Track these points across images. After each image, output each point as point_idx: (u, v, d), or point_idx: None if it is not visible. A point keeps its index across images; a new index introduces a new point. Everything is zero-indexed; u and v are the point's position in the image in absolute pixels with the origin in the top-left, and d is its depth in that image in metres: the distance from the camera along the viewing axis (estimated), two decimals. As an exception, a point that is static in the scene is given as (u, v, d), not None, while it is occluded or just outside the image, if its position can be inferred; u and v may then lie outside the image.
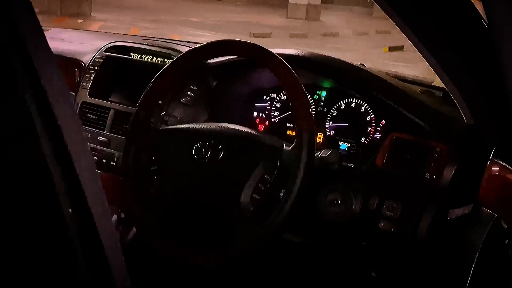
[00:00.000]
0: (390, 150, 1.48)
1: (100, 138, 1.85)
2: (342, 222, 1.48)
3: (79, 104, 1.93)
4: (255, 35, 11.83)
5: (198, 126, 1.48)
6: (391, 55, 10.82)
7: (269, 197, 1.36)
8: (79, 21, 11.65)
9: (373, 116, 1.64)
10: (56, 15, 12.06)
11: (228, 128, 1.44)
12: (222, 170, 1.39)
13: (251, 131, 1.42)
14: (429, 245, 1.40)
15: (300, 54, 1.64)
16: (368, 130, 1.64)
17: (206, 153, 1.40)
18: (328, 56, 1.68)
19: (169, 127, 1.52)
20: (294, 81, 1.35)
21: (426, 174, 1.41)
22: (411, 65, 8.57)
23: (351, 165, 1.59)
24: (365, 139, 1.64)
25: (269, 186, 1.35)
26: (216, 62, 1.75)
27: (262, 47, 1.40)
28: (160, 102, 1.65)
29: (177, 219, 1.51)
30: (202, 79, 1.76)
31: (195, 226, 1.54)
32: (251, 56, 1.43)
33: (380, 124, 1.62)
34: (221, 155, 1.39)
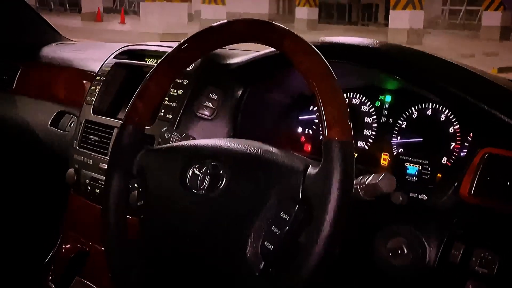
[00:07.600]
0: (481, 174, 1.03)
1: (101, 165, 1.47)
2: (410, 278, 1.08)
3: (82, 123, 1.57)
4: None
5: (196, 143, 1.06)
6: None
7: (288, 246, 0.90)
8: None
9: (457, 126, 1.18)
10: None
11: (234, 144, 1.00)
12: (221, 207, 0.95)
13: (265, 147, 0.97)
14: None
15: (348, 42, 1.19)
16: (451, 147, 1.18)
17: (202, 182, 0.97)
18: (391, 43, 1.21)
19: (159, 146, 1.11)
20: (321, 69, 0.90)
21: None
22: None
23: (423, 196, 1.13)
24: (447, 159, 1.18)
25: (287, 230, 0.90)
26: (240, 61, 1.34)
27: (279, 25, 0.95)
28: (157, 111, 1.29)
29: (164, 277, 1.07)
30: (223, 85, 1.35)
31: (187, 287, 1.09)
32: (261, 38, 0.99)
33: (468, 138, 1.15)
34: (221, 184, 0.95)
